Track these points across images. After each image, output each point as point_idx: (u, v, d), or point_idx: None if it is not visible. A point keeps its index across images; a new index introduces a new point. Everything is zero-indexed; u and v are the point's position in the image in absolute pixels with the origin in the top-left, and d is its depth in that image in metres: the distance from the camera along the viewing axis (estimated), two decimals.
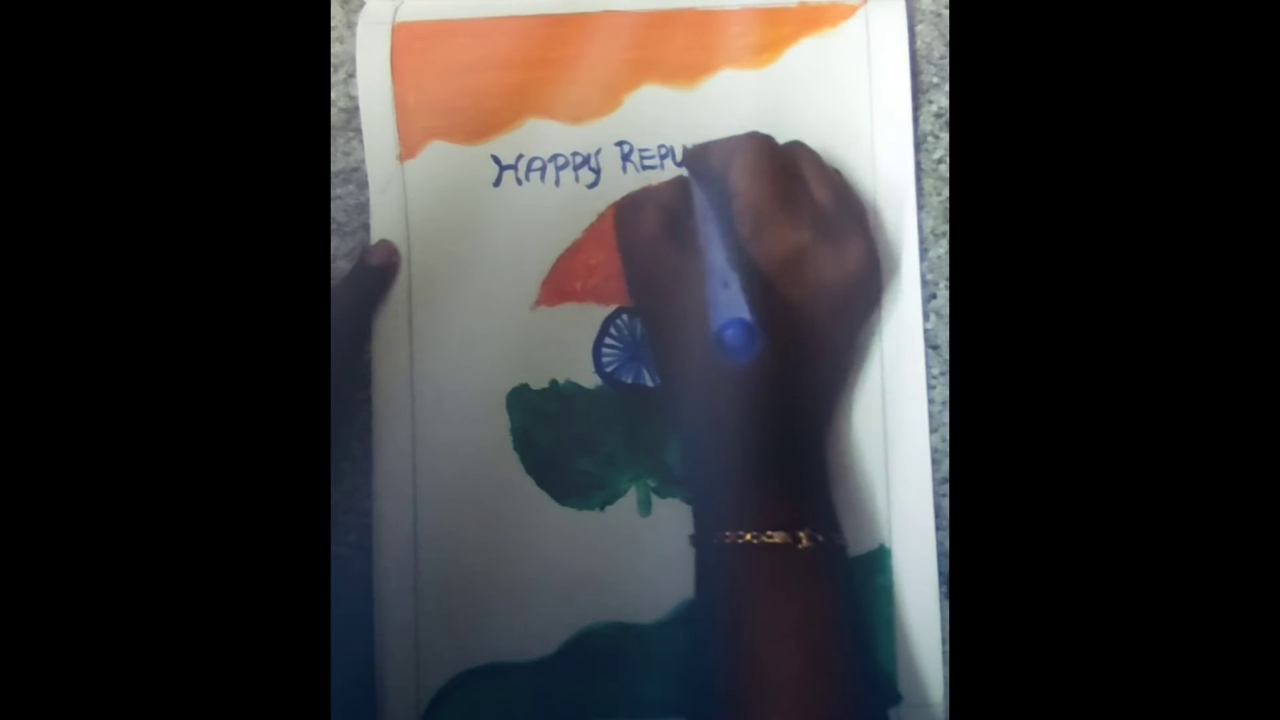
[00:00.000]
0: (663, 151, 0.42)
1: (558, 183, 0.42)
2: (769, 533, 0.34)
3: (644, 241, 0.39)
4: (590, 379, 0.41)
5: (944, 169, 0.42)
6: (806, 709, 0.32)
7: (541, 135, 0.42)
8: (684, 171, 0.41)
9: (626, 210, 0.40)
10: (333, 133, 0.42)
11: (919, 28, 0.42)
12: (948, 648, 0.39)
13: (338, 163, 0.42)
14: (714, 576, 0.36)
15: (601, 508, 0.40)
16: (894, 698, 0.39)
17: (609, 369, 0.41)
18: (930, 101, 0.42)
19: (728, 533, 0.35)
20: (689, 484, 0.40)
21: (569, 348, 0.41)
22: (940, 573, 0.39)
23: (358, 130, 0.42)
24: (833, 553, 0.36)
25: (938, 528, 0.40)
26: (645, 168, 0.42)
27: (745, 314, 0.32)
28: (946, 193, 0.42)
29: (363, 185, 0.42)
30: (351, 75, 0.42)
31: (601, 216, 0.41)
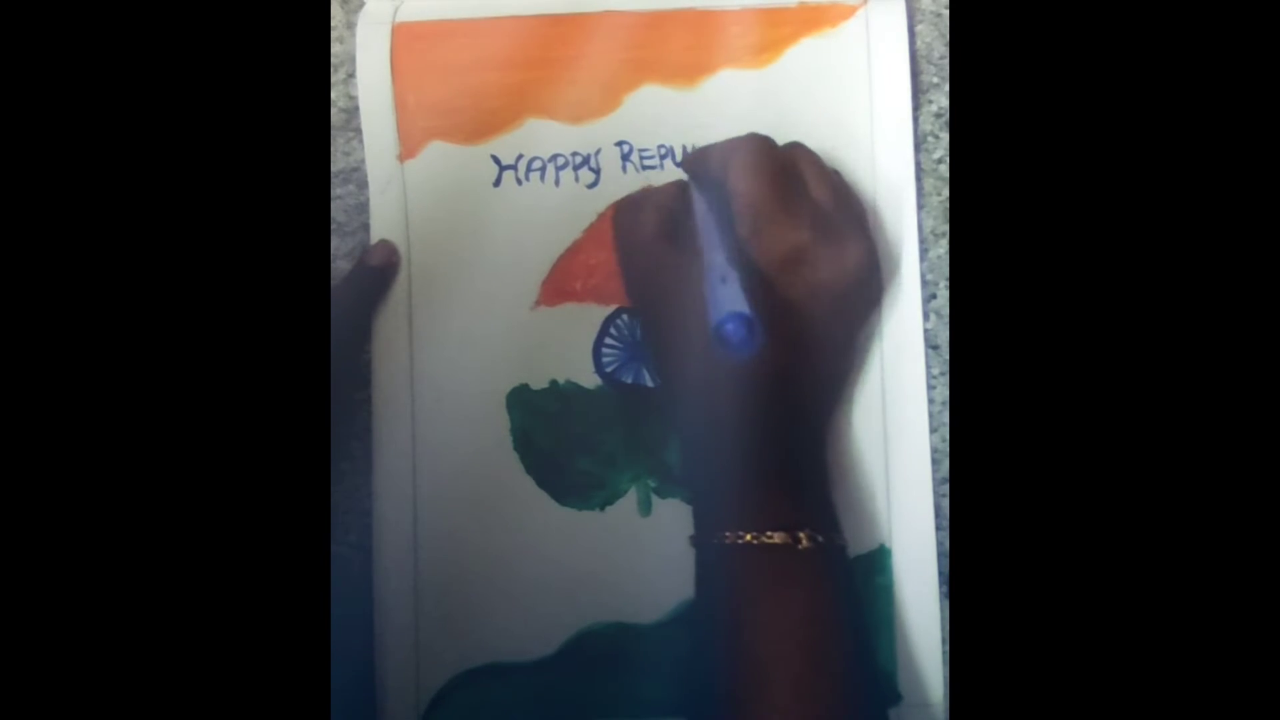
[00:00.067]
0: (662, 151, 0.42)
1: (557, 183, 0.42)
2: (769, 533, 0.34)
3: (643, 242, 0.39)
4: (590, 379, 0.41)
5: (944, 169, 0.42)
6: (806, 709, 0.32)
7: (541, 135, 0.42)
8: (683, 174, 0.41)
9: (625, 211, 0.40)
10: (333, 133, 0.42)
11: (919, 28, 0.42)
12: (948, 648, 0.39)
13: (338, 163, 0.42)
14: (714, 577, 0.36)
15: (601, 508, 0.40)
16: (894, 698, 0.39)
17: (609, 369, 0.41)
18: (930, 101, 0.42)
19: (728, 533, 0.35)
20: (689, 484, 0.40)
21: (569, 348, 0.41)
22: (940, 573, 0.39)
23: (358, 130, 0.42)
24: (833, 553, 0.36)
25: (938, 528, 0.40)
26: (645, 168, 0.42)
27: (744, 308, 0.32)
28: (946, 193, 0.42)
29: (363, 185, 0.42)
30: (351, 75, 0.42)
31: (601, 217, 0.41)
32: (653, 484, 0.40)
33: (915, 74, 0.42)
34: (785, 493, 0.36)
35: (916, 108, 0.42)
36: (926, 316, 0.41)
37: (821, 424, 0.39)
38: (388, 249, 0.41)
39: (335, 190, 0.42)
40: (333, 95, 0.43)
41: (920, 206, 0.41)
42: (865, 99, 0.41)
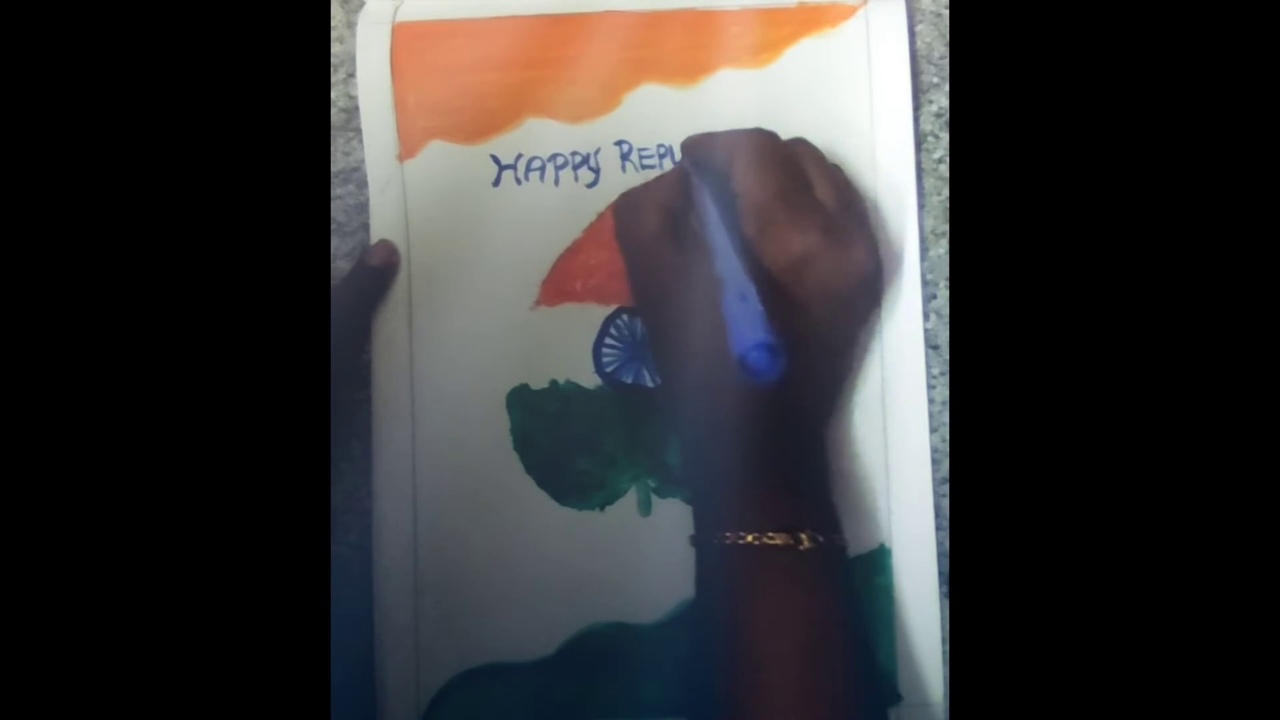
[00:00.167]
0: (662, 151, 0.42)
1: (557, 182, 0.42)
2: (770, 533, 0.34)
3: (644, 242, 0.39)
4: (590, 379, 0.41)
5: (944, 169, 0.42)
6: (806, 709, 0.32)
7: (541, 135, 0.42)
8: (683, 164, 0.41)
9: (625, 210, 0.40)
10: (333, 133, 0.42)
11: (919, 28, 0.42)
12: (948, 648, 0.39)
13: (338, 163, 0.42)
14: (714, 577, 0.36)
15: (601, 508, 0.40)
16: (894, 698, 0.39)
17: (609, 369, 0.41)
18: (930, 101, 0.42)
19: (728, 533, 0.34)
20: (689, 484, 0.40)
21: (569, 348, 0.41)
22: (940, 573, 0.39)
23: (358, 130, 0.42)
24: (833, 553, 0.36)
25: (938, 528, 0.40)
26: (644, 167, 0.42)
27: (767, 334, 0.32)
28: (946, 193, 0.42)
29: (362, 185, 0.42)
30: (351, 75, 0.42)
31: (601, 216, 0.41)
32: (653, 484, 0.40)
33: (915, 74, 0.42)
34: (786, 493, 0.35)
35: (917, 108, 0.42)
36: (926, 316, 0.41)
37: (822, 424, 0.39)
38: (388, 249, 0.41)
39: (335, 190, 0.42)
40: (333, 95, 0.43)
41: (920, 206, 0.41)
42: (865, 99, 0.41)
